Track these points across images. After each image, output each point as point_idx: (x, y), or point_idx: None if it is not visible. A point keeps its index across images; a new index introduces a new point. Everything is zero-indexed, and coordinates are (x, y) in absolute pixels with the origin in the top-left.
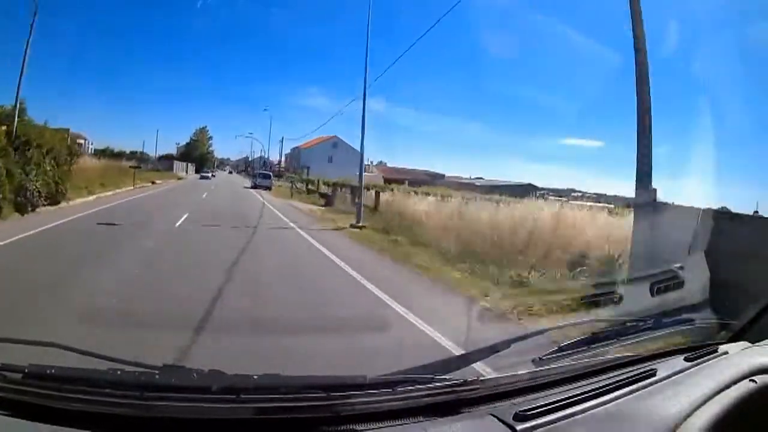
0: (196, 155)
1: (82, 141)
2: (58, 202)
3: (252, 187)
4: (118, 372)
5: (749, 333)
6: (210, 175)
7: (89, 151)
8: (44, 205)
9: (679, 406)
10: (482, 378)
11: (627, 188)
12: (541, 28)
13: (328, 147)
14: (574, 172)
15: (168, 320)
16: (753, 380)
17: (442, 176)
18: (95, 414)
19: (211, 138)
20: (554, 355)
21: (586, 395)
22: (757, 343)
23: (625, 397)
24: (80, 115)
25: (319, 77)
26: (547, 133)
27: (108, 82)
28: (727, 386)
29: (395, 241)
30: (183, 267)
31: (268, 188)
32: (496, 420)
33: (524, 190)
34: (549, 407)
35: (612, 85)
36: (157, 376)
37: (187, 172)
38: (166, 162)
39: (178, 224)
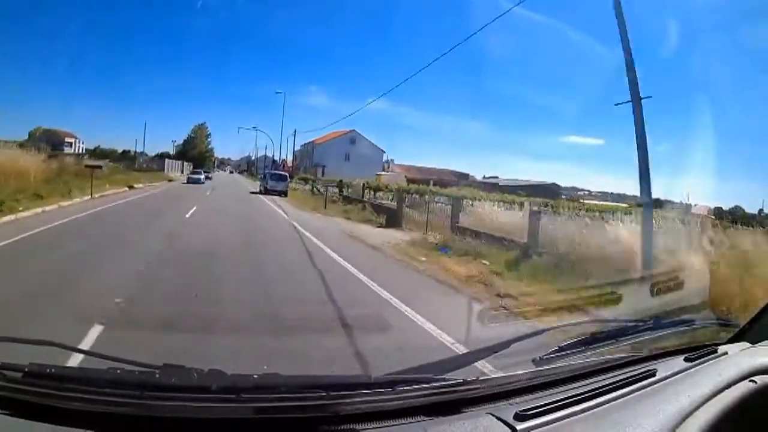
0: (194, 154)
1: (71, 140)
2: None
3: (261, 193)
4: (118, 371)
5: (749, 333)
6: (203, 177)
7: (80, 150)
8: None
9: (679, 407)
10: (482, 378)
11: (626, 185)
12: (541, 28)
13: (344, 143)
14: (575, 170)
15: None
16: (753, 380)
17: (467, 176)
18: (95, 413)
19: (210, 135)
20: (554, 355)
21: (586, 395)
22: (757, 344)
23: (625, 398)
24: (80, 115)
25: (319, 77)
26: (548, 132)
27: (105, 81)
28: (727, 386)
29: None
30: None
31: (282, 194)
32: (496, 420)
33: (549, 191)
34: (549, 407)
35: (612, 83)
36: (157, 376)
37: (182, 171)
38: (160, 161)
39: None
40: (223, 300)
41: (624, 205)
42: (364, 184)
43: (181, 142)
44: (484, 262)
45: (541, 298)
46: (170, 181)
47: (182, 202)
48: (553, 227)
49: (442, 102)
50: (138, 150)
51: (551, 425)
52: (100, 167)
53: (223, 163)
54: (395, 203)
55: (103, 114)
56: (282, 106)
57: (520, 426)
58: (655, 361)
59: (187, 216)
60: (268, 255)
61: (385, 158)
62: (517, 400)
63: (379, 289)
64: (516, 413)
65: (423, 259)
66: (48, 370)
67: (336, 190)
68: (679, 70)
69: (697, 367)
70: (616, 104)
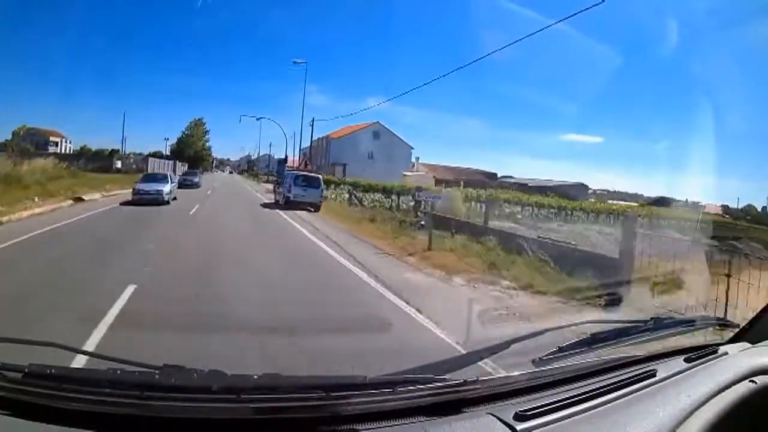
0: (190, 153)
1: (57, 139)
2: None
3: (279, 206)
4: (118, 372)
5: (749, 334)
6: (198, 179)
7: (68, 150)
8: None
9: (679, 407)
10: (482, 378)
11: (626, 183)
12: (539, 27)
13: (367, 137)
14: (575, 168)
15: None
16: (753, 381)
17: (495, 175)
18: (95, 414)
19: (207, 132)
20: (554, 356)
21: (586, 396)
22: (757, 344)
23: (625, 398)
24: (74, 115)
25: (318, 76)
26: (548, 130)
27: (97, 79)
28: (727, 387)
29: None
30: None
31: (314, 206)
32: (496, 420)
33: (576, 190)
34: (549, 407)
35: (611, 83)
36: (157, 376)
37: (175, 171)
38: (153, 161)
39: None
40: None
41: (634, 204)
42: (414, 192)
43: (176, 140)
44: None
45: None
46: None
47: (138, 239)
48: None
49: (441, 101)
50: (119, 149)
51: (551, 425)
52: None
53: (222, 163)
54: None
55: (98, 114)
56: (304, 78)
57: (520, 426)
58: (656, 362)
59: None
60: None
61: (413, 155)
62: (517, 400)
63: None
64: (516, 413)
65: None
66: (48, 371)
67: (378, 198)
68: (680, 70)
69: (698, 368)
70: None
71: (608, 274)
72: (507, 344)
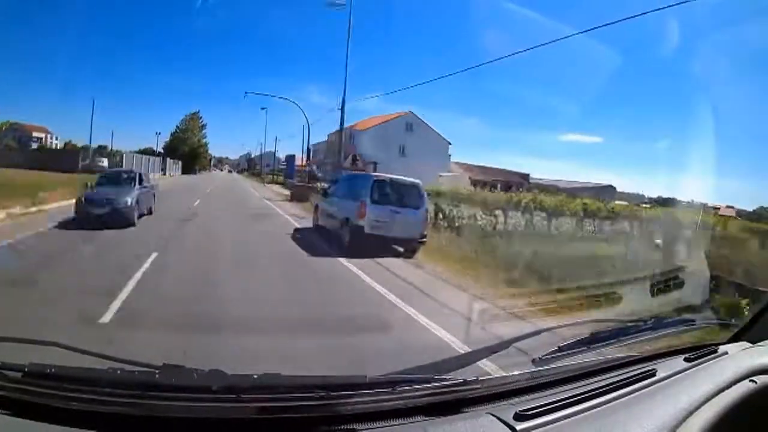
0: (184, 150)
1: (41, 135)
2: None
3: (330, 238)
4: (118, 371)
5: (749, 333)
6: (130, 202)
7: (53, 146)
8: None
9: (679, 407)
10: (482, 378)
11: (626, 183)
12: (540, 28)
13: (398, 129)
14: (575, 167)
15: None
16: (753, 380)
17: (527, 176)
18: (95, 413)
19: (205, 126)
20: (554, 355)
21: (586, 395)
22: (757, 344)
23: (625, 398)
24: (76, 114)
25: (319, 76)
26: (548, 130)
27: (99, 79)
28: (727, 386)
29: None
30: None
31: (407, 245)
32: (495, 420)
33: (607, 193)
34: (549, 407)
35: (611, 83)
36: (157, 376)
37: (165, 171)
38: (137, 159)
39: None
40: None
41: (646, 205)
42: (530, 203)
43: (169, 135)
44: None
45: None
46: None
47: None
48: None
49: (441, 101)
50: (107, 145)
51: (551, 425)
52: None
53: (220, 162)
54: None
55: (96, 112)
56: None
57: (519, 426)
58: (655, 361)
59: None
60: None
61: (450, 152)
62: (517, 400)
63: None
64: (516, 413)
65: None
66: (48, 370)
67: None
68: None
69: (698, 367)
70: None
71: None
72: (507, 344)
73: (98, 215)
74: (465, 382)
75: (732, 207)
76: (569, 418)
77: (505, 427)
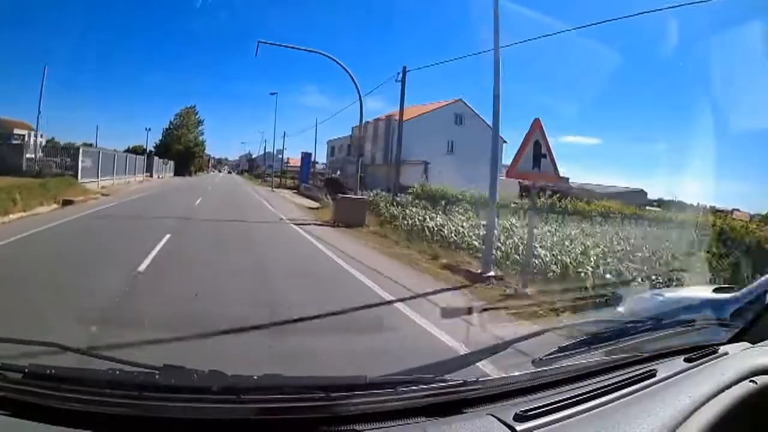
0: (179, 148)
1: (24, 131)
2: None
3: None
4: (118, 372)
5: (749, 334)
6: None
7: (38, 144)
8: None
9: (679, 407)
10: (482, 378)
11: (625, 183)
12: (539, 27)
13: (446, 121)
14: (574, 168)
15: None
16: (753, 381)
17: (567, 179)
18: (95, 414)
19: (202, 122)
20: (554, 356)
21: (586, 396)
22: (757, 344)
23: (625, 398)
24: (78, 115)
25: (319, 76)
26: (548, 130)
27: (95, 77)
28: (727, 387)
29: None
30: None
31: None
32: (496, 420)
33: (639, 197)
34: (549, 408)
35: (611, 84)
36: (157, 377)
37: (152, 173)
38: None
39: None
40: None
41: (656, 207)
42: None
43: (162, 132)
44: None
45: None
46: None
47: None
48: None
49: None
50: (92, 143)
51: (551, 426)
52: None
53: (219, 163)
54: None
55: (93, 111)
56: None
57: (520, 427)
58: (656, 362)
59: None
60: None
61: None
62: (517, 400)
63: None
64: (516, 414)
65: None
66: (48, 371)
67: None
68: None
69: (698, 368)
70: None
71: None
72: (507, 344)
73: None
74: (465, 383)
75: (738, 210)
76: (570, 418)
77: (506, 427)
